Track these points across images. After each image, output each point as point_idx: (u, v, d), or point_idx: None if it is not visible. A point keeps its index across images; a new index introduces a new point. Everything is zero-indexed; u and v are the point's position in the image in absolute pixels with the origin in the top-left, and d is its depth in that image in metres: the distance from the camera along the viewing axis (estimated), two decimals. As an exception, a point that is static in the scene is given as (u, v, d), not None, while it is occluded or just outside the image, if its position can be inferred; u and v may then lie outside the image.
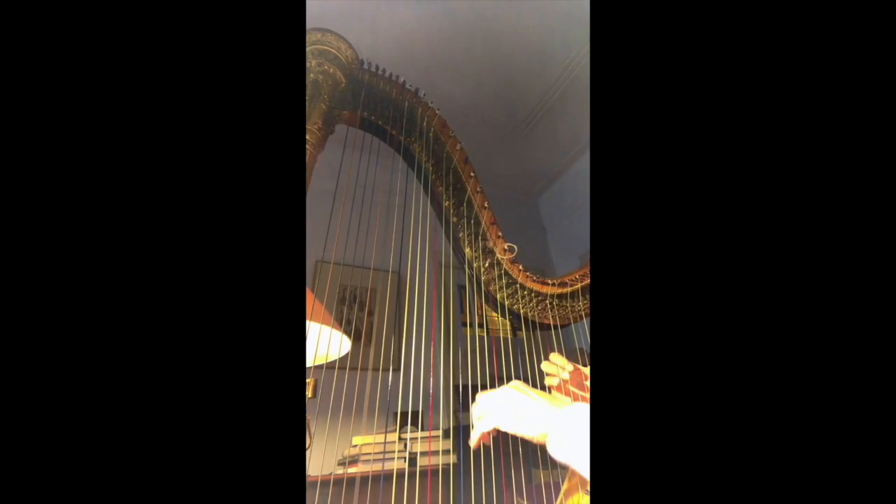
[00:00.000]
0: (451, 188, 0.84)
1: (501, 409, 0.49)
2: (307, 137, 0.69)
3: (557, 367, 0.71)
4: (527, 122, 2.24)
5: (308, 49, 0.78)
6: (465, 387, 1.86)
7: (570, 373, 0.71)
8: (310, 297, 0.95)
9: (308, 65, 0.77)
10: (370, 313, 1.91)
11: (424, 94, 0.86)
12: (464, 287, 2.21)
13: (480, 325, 2.12)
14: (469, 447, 0.53)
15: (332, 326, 0.99)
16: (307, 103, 0.72)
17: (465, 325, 2.15)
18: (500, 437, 0.53)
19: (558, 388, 0.71)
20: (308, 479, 1.19)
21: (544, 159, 2.47)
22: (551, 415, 0.47)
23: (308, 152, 0.68)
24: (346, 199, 0.87)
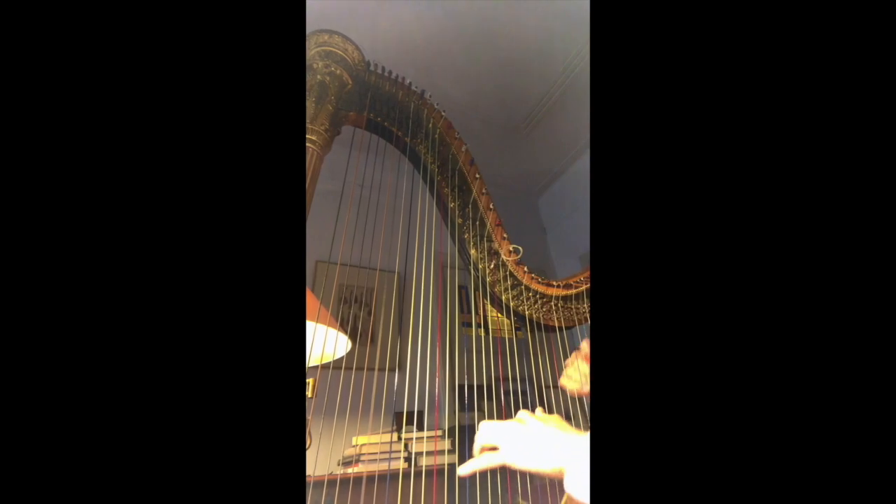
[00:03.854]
0: (456, 189, 0.85)
1: (511, 444, 0.47)
2: (314, 138, 0.69)
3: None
4: (527, 122, 2.24)
5: (315, 51, 0.79)
6: (463, 386, 1.86)
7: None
8: (310, 297, 0.95)
9: (315, 66, 0.77)
10: (371, 313, 1.91)
11: (430, 96, 0.86)
12: (465, 287, 2.21)
13: (480, 325, 2.13)
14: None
15: (333, 326, 0.99)
16: (314, 104, 0.73)
17: (466, 325, 2.15)
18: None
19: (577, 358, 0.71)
20: (308, 479, 1.18)
21: (544, 159, 2.47)
22: (566, 446, 0.43)
23: (314, 153, 0.68)
24: (350, 199, 0.87)
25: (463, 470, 0.49)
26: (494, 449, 0.48)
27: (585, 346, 0.73)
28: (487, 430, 0.50)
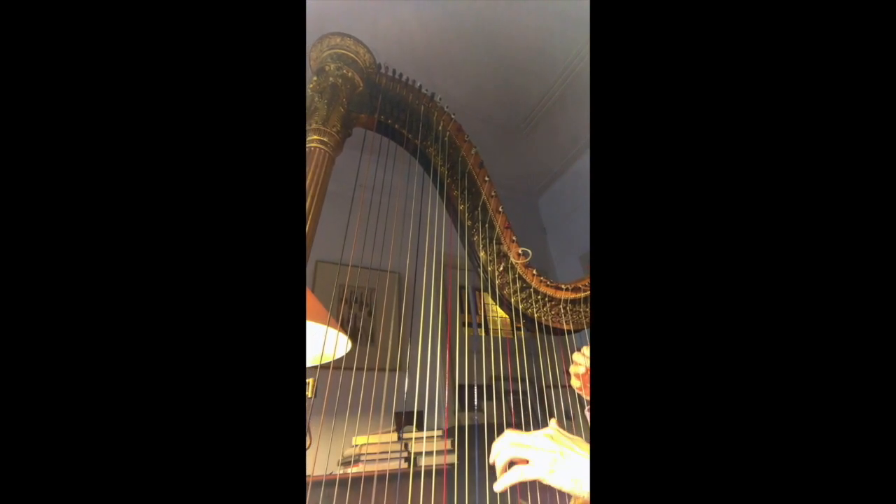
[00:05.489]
0: (465, 192, 0.85)
1: (544, 462, 0.46)
2: (325, 140, 0.70)
3: (587, 357, 0.71)
4: (527, 123, 2.24)
5: (327, 53, 0.80)
6: (468, 386, 1.86)
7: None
8: (310, 297, 0.95)
9: (327, 69, 0.78)
10: (371, 313, 1.91)
11: (440, 99, 0.87)
12: (465, 288, 2.21)
13: (480, 325, 2.13)
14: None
15: (333, 326, 0.99)
16: (326, 107, 0.73)
17: (467, 325, 2.15)
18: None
19: (580, 377, 0.71)
20: (308, 479, 1.18)
21: (544, 159, 2.47)
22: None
23: (326, 155, 0.69)
24: (361, 200, 0.87)
25: (498, 486, 0.48)
26: (524, 461, 0.47)
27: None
28: (515, 440, 0.48)
